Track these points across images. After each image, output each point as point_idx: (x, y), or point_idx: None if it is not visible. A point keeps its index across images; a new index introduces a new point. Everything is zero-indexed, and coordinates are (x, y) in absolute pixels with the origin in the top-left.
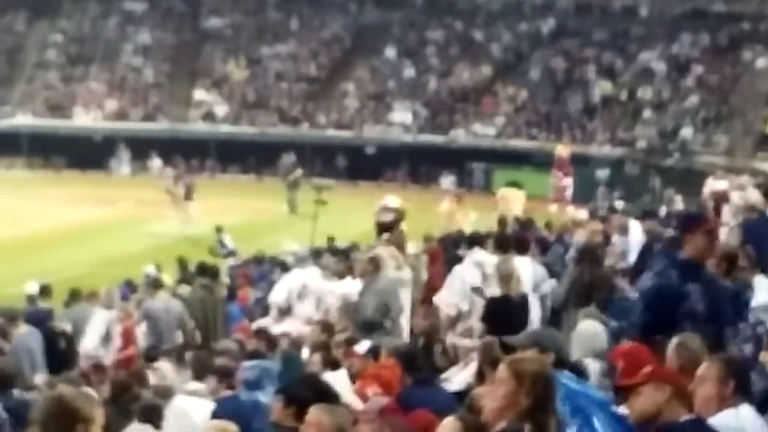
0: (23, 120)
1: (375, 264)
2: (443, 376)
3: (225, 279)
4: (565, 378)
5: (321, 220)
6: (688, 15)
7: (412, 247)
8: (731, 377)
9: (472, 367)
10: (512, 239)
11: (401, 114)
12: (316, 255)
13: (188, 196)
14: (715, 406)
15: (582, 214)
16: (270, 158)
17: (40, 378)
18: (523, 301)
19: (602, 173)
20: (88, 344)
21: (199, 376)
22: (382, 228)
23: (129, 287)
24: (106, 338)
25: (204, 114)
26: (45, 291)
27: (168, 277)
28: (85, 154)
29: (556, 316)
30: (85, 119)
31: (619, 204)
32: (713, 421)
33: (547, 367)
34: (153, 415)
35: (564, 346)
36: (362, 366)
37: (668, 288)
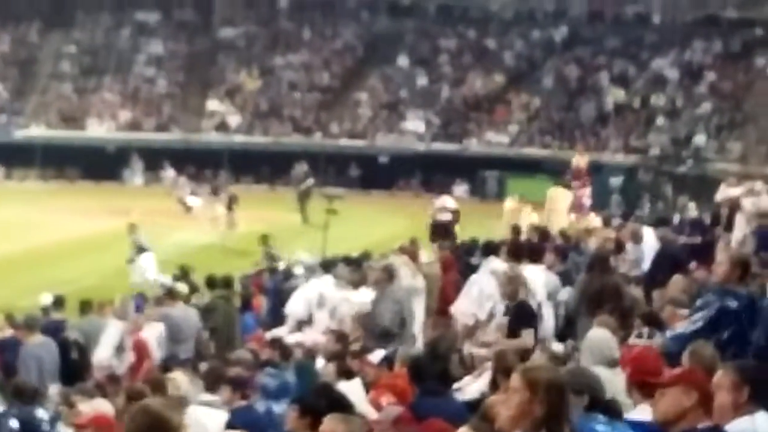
0: (37, 131)
1: (389, 273)
2: (456, 385)
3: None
4: (598, 423)
5: (334, 230)
6: (701, 21)
7: (426, 255)
8: (746, 384)
9: (486, 376)
10: (526, 247)
11: (414, 123)
12: (329, 264)
13: (230, 206)
14: (731, 414)
15: (596, 222)
16: (283, 168)
17: (54, 389)
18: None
19: (615, 181)
20: (103, 355)
21: (212, 386)
22: (439, 227)
23: (142, 298)
24: (120, 349)
25: (217, 124)
26: (59, 302)
27: (183, 287)
28: (99, 164)
29: (570, 324)
30: (98, 130)
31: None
32: (729, 428)
33: (560, 375)
34: None
35: (599, 386)
36: (376, 375)
37: None
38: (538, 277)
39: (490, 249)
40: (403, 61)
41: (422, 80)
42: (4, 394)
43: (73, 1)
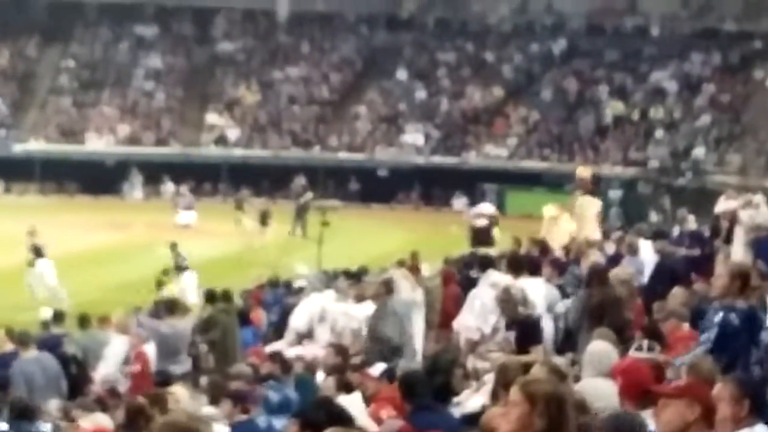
0: (36, 145)
1: (388, 286)
2: (456, 399)
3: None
4: None
5: (333, 243)
6: (699, 34)
7: (427, 269)
8: (746, 397)
9: (486, 390)
10: (525, 260)
11: (413, 136)
12: (329, 278)
13: (264, 221)
14: (731, 426)
15: (596, 235)
16: (282, 181)
17: (54, 403)
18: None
19: (614, 194)
20: (107, 370)
21: (214, 400)
22: (477, 233)
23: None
24: (123, 363)
25: (216, 138)
26: (58, 317)
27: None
28: (98, 179)
29: (570, 338)
30: (97, 144)
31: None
32: None
33: (559, 388)
34: None
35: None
36: (376, 389)
37: None
38: (538, 290)
39: (487, 263)
40: (401, 74)
41: (421, 93)
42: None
43: (72, 15)
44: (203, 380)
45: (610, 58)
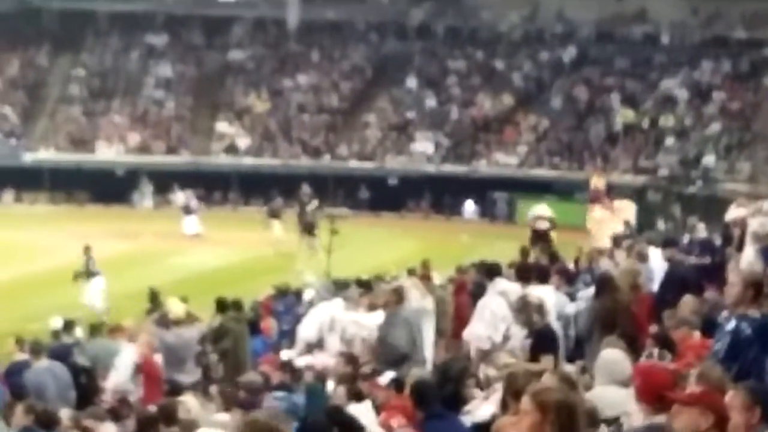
0: (46, 154)
1: (399, 295)
2: (466, 408)
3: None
4: None
5: (345, 251)
6: (709, 42)
7: (438, 277)
8: (757, 405)
9: (496, 398)
10: (533, 268)
11: (423, 144)
12: (340, 287)
13: (311, 231)
14: None
15: (606, 243)
16: (292, 190)
17: (65, 413)
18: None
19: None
20: (118, 379)
21: (225, 409)
22: (538, 236)
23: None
24: (135, 373)
25: (226, 146)
26: (69, 326)
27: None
28: (108, 188)
29: (580, 346)
30: (107, 153)
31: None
32: None
33: (570, 396)
34: None
35: None
36: (386, 397)
37: None
38: (548, 298)
39: (494, 271)
40: (411, 82)
41: (431, 102)
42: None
43: (82, 24)
44: (213, 389)
45: (620, 65)
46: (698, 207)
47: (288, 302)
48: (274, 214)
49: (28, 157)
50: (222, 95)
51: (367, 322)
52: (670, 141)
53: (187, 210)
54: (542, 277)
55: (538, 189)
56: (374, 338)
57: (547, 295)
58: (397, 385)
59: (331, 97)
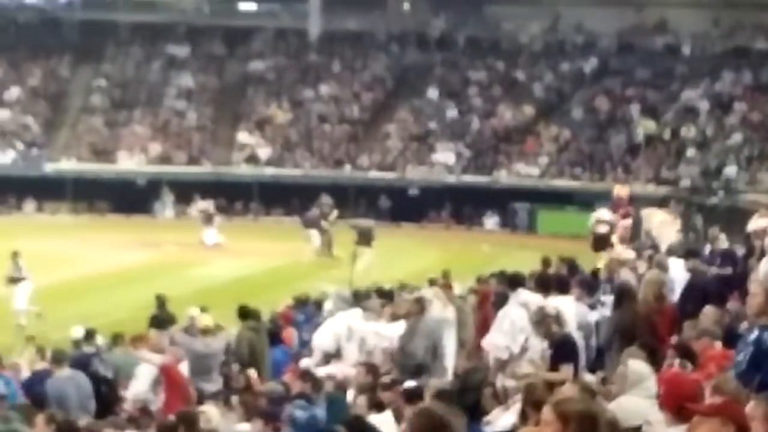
0: (68, 165)
1: (421, 305)
2: (486, 418)
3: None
4: None
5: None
6: (730, 53)
7: (459, 287)
8: None
9: (516, 409)
10: (553, 279)
11: (444, 155)
12: (361, 297)
13: (367, 242)
14: None
15: (628, 253)
16: (313, 200)
17: (84, 421)
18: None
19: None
20: (140, 388)
21: (246, 418)
22: (598, 239)
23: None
24: (157, 383)
25: (247, 157)
26: (90, 335)
27: (208, 320)
28: (129, 198)
29: (601, 356)
30: (128, 163)
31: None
32: None
33: (592, 406)
34: None
35: None
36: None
37: None
38: (568, 308)
39: (517, 281)
40: (432, 93)
41: (452, 112)
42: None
43: (104, 34)
44: (234, 399)
45: (640, 76)
46: (720, 218)
47: (308, 312)
48: (311, 224)
49: (50, 168)
50: (243, 105)
51: (388, 332)
52: (691, 152)
53: (207, 220)
54: (562, 287)
55: (559, 200)
56: (395, 348)
57: (568, 306)
58: (416, 395)
59: (352, 107)
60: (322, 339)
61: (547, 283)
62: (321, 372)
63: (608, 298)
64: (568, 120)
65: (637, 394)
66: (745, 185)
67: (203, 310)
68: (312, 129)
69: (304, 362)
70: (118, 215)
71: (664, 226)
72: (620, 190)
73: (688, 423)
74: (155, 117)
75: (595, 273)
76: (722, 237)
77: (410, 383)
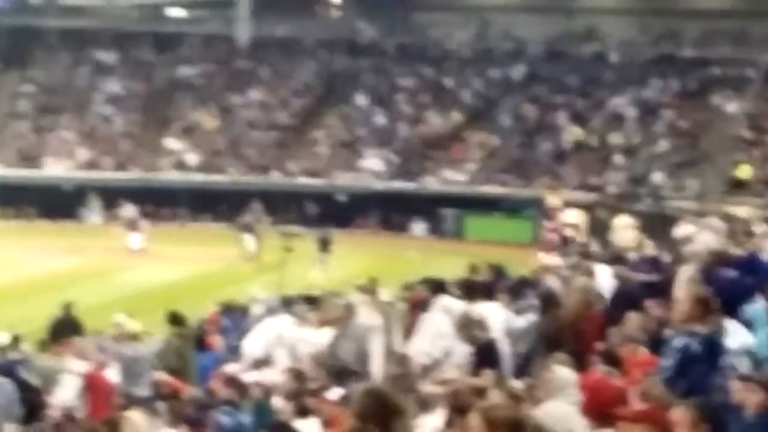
0: None
1: (348, 311)
2: (411, 424)
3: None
4: None
5: (293, 268)
6: (658, 60)
7: (386, 294)
8: (704, 421)
9: (440, 414)
10: (480, 285)
11: (372, 161)
12: (288, 303)
13: (324, 248)
14: None
15: (556, 260)
16: (241, 207)
17: (10, 429)
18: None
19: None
20: (65, 395)
21: (172, 424)
22: (563, 241)
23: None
24: (83, 389)
25: (175, 163)
26: (16, 341)
27: (137, 326)
28: (56, 203)
29: (527, 362)
30: (56, 169)
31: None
32: None
33: (518, 413)
34: None
35: None
36: (333, 414)
37: None
38: (495, 314)
39: (440, 287)
40: (361, 99)
41: (380, 119)
42: None
43: (31, 40)
44: (160, 405)
45: (568, 83)
46: (646, 224)
47: (235, 318)
48: (246, 229)
49: None
50: (171, 111)
51: (315, 339)
52: (618, 158)
53: (132, 225)
54: (489, 293)
55: (487, 206)
56: (322, 354)
57: (494, 312)
58: (345, 401)
59: (281, 113)
60: (252, 345)
61: (473, 290)
62: (248, 378)
63: (535, 304)
64: (496, 127)
65: (562, 401)
66: (671, 192)
67: (130, 315)
68: (240, 135)
69: (231, 368)
70: (45, 221)
71: (623, 229)
72: (553, 199)
73: (610, 428)
74: (83, 123)
75: (522, 279)
76: (649, 243)
77: (338, 390)
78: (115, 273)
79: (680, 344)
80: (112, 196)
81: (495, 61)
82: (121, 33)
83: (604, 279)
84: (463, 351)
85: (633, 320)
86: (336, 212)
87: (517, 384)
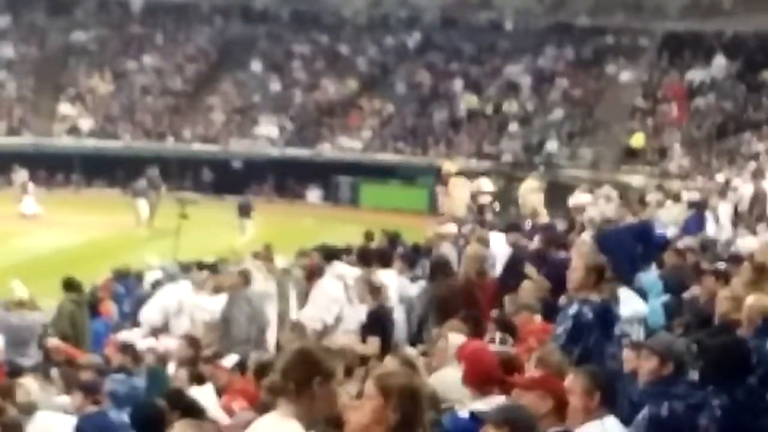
0: None
1: (244, 277)
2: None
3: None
4: None
5: (187, 234)
6: (553, 29)
7: (281, 261)
8: (597, 389)
9: None
10: (375, 252)
11: (267, 128)
12: (183, 270)
13: (246, 213)
14: (581, 418)
15: (450, 227)
16: (136, 172)
17: None
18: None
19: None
20: None
21: (66, 391)
22: (479, 209)
23: None
24: None
25: (69, 128)
26: None
27: (24, 293)
28: None
29: (420, 329)
30: None
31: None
32: None
33: (414, 380)
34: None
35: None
36: (228, 381)
37: None
38: (390, 282)
39: (333, 254)
40: (256, 66)
41: (275, 85)
42: None
43: None
44: (54, 372)
45: (464, 51)
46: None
47: (129, 284)
48: (140, 194)
49: None
50: (65, 77)
51: (209, 305)
52: (513, 127)
53: (23, 189)
54: (384, 261)
55: (382, 173)
56: (216, 321)
57: (390, 279)
58: (240, 368)
59: (175, 79)
60: (150, 312)
61: (368, 257)
62: (142, 345)
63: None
64: (392, 94)
65: (456, 368)
66: (566, 160)
67: (24, 282)
68: (134, 101)
69: (126, 335)
70: None
71: (529, 192)
72: (450, 167)
73: (490, 396)
74: None
75: (417, 246)
76: (543, 212)
77: (233, 357)
78: (8, 239)
79: (573, 311)
80: (5, 162)
81: (390, 29)
82: None
83: (499, 247)
84: (354, 317)
85: (527, 288)
86: (231, 179)
87: (412, 351)
